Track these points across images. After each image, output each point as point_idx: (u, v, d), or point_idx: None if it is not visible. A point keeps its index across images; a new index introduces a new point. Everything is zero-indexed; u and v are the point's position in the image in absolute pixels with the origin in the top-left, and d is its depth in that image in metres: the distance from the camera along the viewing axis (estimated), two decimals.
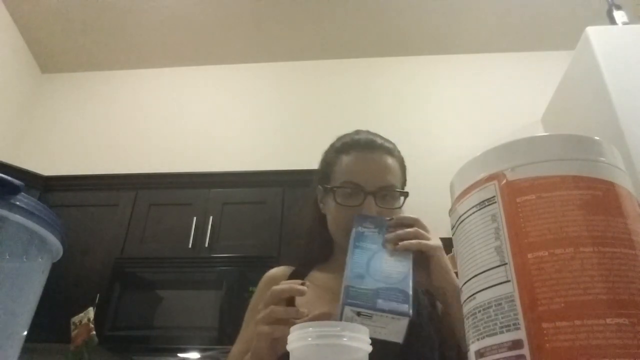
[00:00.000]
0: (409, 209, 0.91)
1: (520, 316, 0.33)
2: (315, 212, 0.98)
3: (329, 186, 0.91)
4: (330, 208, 0.92)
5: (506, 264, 0.35)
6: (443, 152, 2.74)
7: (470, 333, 0.37)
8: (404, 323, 0.56)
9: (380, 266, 0.65)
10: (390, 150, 0.94)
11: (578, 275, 0.32)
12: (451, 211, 0.44)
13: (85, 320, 2.09)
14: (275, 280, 0.93)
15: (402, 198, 0.91)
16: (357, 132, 0.99)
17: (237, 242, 2.32)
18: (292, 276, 0.95)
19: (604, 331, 0.30)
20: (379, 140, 0.94)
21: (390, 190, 0.89)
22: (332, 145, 0.99)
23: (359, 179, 0.88)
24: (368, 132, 0.99)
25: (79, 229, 2.37)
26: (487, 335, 0.35)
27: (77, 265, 2.24)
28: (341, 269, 0.92)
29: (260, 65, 3.26)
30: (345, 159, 0.92)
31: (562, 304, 0.32)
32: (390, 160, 0.92)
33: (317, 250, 1.00)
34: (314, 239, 1.00)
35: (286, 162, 2.61)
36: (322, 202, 0.97)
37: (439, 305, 0.87)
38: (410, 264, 0.65)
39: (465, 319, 0.39)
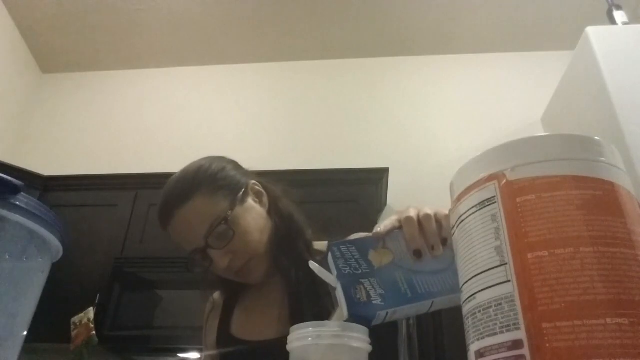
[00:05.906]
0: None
1: (520, 316, 0.33)
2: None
3: (185, 261, 0.93)
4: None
5: (506, 264, 0.35)
6: (443, 152, 2.73)
7: (470, 333, 0.37)
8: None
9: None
10: (184, 195, 0.86)
11: (578, 275, 0.32)
12: (451, 211, 0.44)
13: (85, 320, 2.09)
14: (211, 310, 1.02)
15: (224, 224, 0.85)
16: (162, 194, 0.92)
17: None
18: (225, 305, 1.00)
19: (604, 331, 0.30)
20: (172, 196, 0.88)
21: (213, 232, 0.86)
22: None
23: (187, 247, 0.89)
24: (166, 184, 0.91)
25: (79, 229, 2.37)
26: (487, 335, 0.35)
27: (77, 265, 2.23)
28: (265, 288, 0.97)
29: (260, 65, 3.26)
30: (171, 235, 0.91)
31: (562, 304, 0.32)
32: (192, 207, 0.86)
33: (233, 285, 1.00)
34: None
35: (288, 162, 2.61)
36: None
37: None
38: None
39: (465, 319, 0.39)
